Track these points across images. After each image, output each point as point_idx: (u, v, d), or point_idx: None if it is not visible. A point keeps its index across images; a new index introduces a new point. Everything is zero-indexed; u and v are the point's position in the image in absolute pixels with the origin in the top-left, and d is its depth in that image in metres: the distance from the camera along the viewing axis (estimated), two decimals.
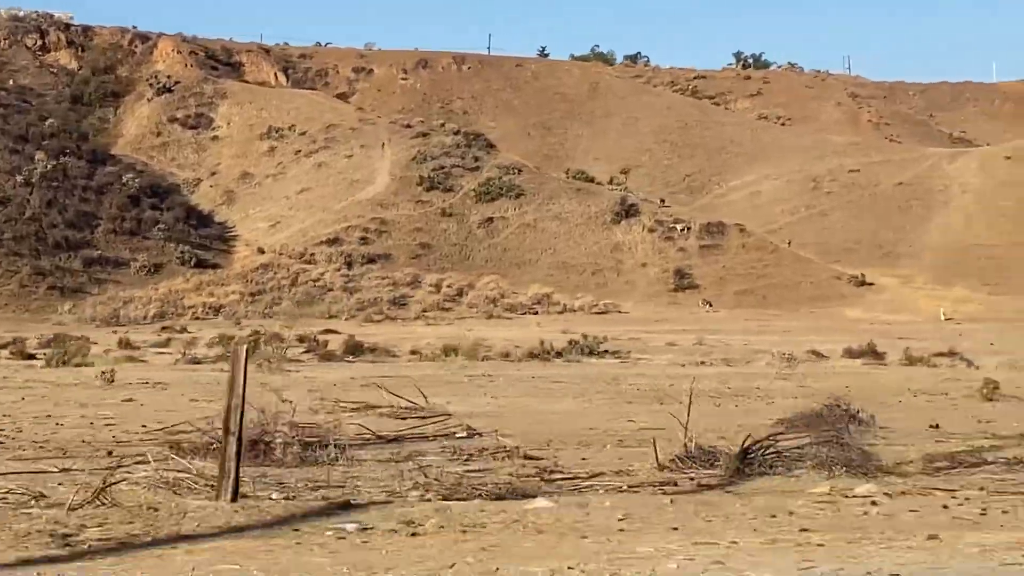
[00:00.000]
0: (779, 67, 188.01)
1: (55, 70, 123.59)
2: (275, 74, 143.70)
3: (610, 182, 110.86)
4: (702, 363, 44.81)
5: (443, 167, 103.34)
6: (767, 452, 16.58)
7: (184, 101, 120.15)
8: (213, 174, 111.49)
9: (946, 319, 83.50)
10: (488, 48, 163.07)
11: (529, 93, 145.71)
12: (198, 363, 42.34)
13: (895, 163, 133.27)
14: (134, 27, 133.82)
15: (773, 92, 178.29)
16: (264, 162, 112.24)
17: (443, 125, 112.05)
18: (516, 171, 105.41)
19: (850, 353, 46.57)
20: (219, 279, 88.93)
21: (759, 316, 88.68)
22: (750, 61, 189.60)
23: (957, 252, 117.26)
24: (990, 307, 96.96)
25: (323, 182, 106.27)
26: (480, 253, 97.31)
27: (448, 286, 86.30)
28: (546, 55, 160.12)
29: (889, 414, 24.44)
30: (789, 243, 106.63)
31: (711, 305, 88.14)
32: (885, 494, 14.34)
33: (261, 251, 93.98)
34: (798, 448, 16.82)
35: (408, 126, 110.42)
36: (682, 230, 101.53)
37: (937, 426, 22.71)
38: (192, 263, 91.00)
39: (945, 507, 13.61)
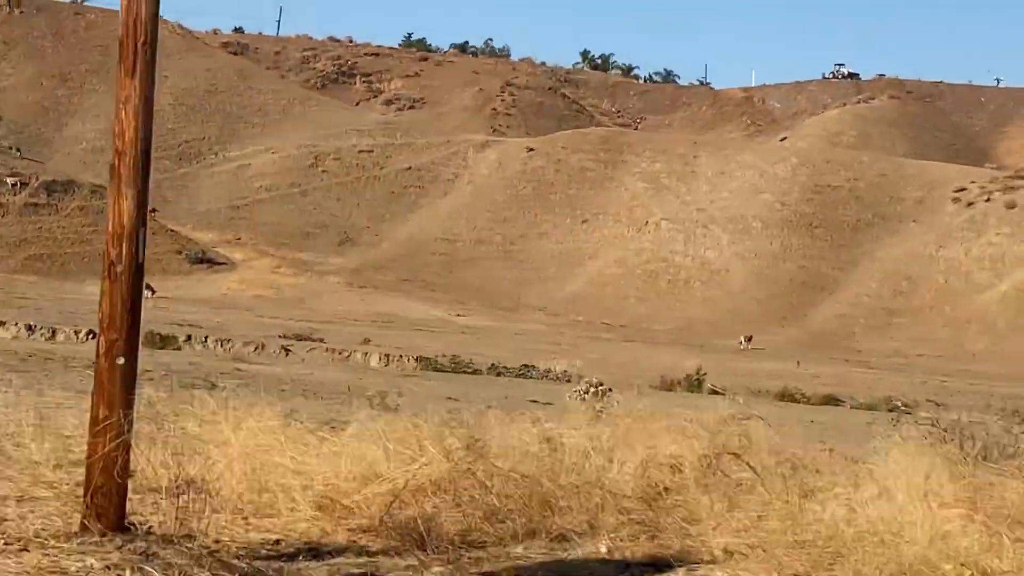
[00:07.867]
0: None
1: None
2: None
3: None
4: None
5: None
6: None
7: None
8: None
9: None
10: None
11: (71, 42, 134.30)
12: None
13: (415, 147, 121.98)
14: None
15: (433, 75, 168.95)
16: None
17: None
18: None
19: None
20: None
21: None
22: (598, 60, 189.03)
23: (413, 247, 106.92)
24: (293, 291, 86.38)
25: None
26: None
27: None
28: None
29: None
30: (154, 211, 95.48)
31: None
32: None
33: None
34: None
35: None
36: (14, 185, 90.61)
37: None
38: None
39: None
